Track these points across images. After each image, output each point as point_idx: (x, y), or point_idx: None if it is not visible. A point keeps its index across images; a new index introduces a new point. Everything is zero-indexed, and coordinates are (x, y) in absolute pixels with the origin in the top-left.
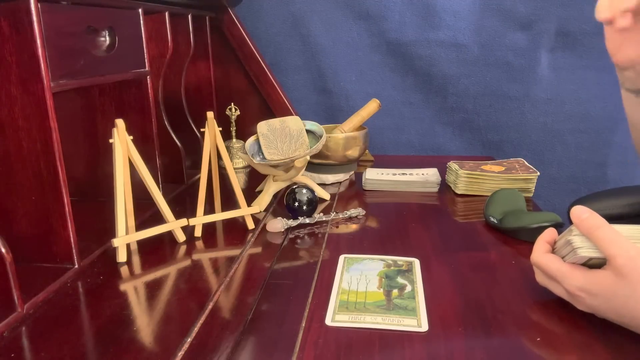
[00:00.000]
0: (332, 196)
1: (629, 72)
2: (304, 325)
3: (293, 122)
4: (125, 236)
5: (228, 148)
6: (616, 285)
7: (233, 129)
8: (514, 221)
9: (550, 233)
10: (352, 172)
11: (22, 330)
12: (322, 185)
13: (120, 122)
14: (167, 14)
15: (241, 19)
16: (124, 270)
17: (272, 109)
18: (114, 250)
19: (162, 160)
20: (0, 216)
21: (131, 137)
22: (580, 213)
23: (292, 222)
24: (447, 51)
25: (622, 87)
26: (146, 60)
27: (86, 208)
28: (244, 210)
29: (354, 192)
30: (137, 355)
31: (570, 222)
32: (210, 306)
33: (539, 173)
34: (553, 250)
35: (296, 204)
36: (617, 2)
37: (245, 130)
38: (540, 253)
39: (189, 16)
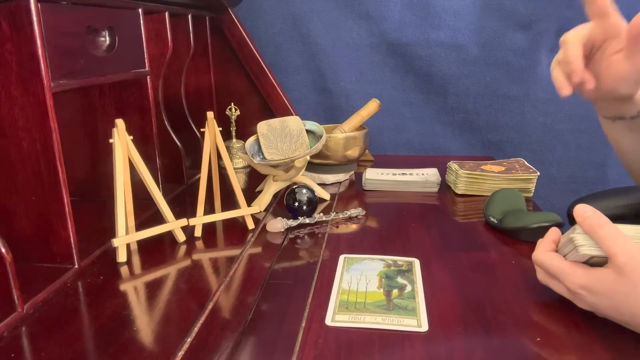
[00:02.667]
0: (332, 196)
1: (599, 103)
2: (304, 325)
3: (293, 122)
4: (125, 236)
5: (228, 148)
6: (617, 283)
7: (233, 129)
8: (514, 221)
9: (554, 232)
10: (352, 172)
11: (22, 330)
12: (322, 185)
13: (120, 122)
14: (167, 14)
15: (241, 19)
16: (124, 270)
17: (272, 109)
18: (114, 250)
19: (162, 160)
20: (0, 216)
21: (131, 137)
22: (583, 211)
23: (292, 222)
24: (447, 51)
25: (598, 115)
26: (146, 60)
27: (86, 208)
28: (244, 210)
29: (354, 192)
30: (137, 355)
31: (570, 223)
32: (210, 306)
33: (539, 173)
34: (556, 249)
35: (296, 204)
36: (570, 77)
37: (245, 130)
38: (542, 251)
39: (189, 16)
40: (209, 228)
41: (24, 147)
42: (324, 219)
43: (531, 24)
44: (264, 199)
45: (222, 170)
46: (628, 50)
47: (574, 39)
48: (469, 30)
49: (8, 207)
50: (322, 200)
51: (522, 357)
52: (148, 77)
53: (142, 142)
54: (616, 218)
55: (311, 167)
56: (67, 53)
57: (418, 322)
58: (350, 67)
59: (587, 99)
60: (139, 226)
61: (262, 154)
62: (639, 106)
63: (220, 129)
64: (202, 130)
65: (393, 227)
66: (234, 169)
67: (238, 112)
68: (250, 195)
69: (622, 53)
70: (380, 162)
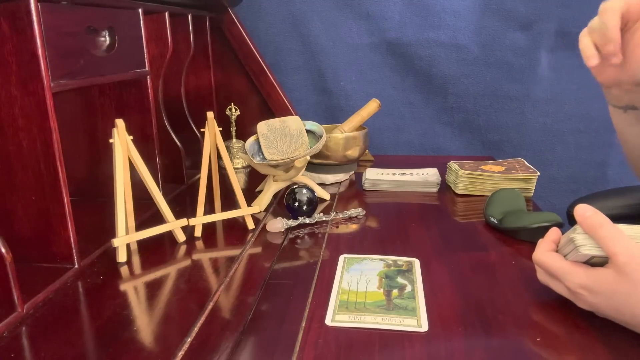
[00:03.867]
0: (332, 196)
1: (614, 90)
2: (304, 325)
3: (293, 122)
4: (125, 236)
5: (228, 148)
6: (617, 283)
7: (233, 129)
8: (514, 221)
9: (554, 232)
10: (352, 172)
11: (22, 330)
12: (322, 185)
13: (120, 122)
14: (167, 14)
15: (241, 19)
16: (124, 270)
17: (272, 109)
18: (114, 250)
19: (162, 160)
20: (0, 216)
21: (131, 137)
22: (584, 211)
23: (292, 222)
24: (447, 51)
25: (610, 104)
26: (146, 60)
27: (86, 208)
28: (244, 210)
29: (354, 192)
30: (137, 355)
31: (570, 223)
32: (210, 306)
33: (539, 173)
34: (556, 249)
35: (296, 204)
36: (603, 46)
37: (245, 130)
38: (542, 251)
39: (189, 16)
40: (209, 228)
41: (24, 147)
42: (324, 219)
43: (531, 24)
44: (264, 199)
45: (222, 170)
46: None
47: (614, 7)
48: (469, 30)
49: (8, 207)
50: (322, 200)
51: (522, 357)
52: (148, 77)
53: (142, 142)
54: (616, 218)
55: (311, 167)
56: (67, 53)
57: (418, 322)
58: (350, 67)
59: (603, 82)
60: (139, 226)
61: (262, 154)
62: None
63: (220, 129)
64: (202, 130)
65: (393, 227)
66: (234, 169)
67: (238, 112)
68: (250, 195)
69: None
70: (380, 162)
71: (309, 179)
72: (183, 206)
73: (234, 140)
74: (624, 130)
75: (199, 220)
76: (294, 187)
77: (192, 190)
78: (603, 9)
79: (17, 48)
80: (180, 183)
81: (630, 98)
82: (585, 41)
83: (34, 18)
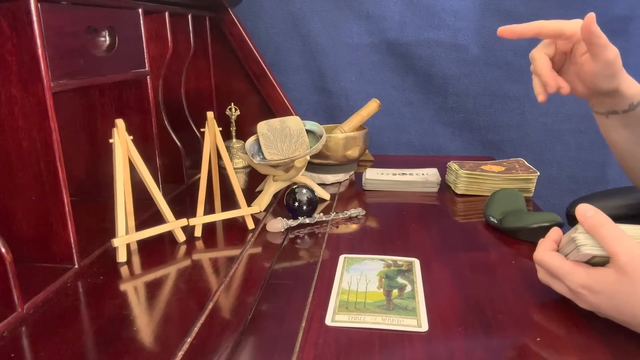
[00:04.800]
0: (332, 196)
1: (592, 100)
2: (304, 325)
3: (293, 122)
4: (125, 236)
5: (228, 148)
6: (618, 283)
7: (233, 129)
8: (514, 221)
9: (555, 232)
10: (352, 172)
11: (22, 330)
12: (322, 185)
13: (120, 122)
14: (167, 14)
15: (241, 19)
16: (124, 270)
17: (272, 109)
18: (114, 250)
19: (162, 160)
20: (0, 216)
21: (131, 137)
22: (585, 210)
23: (292, 222)
24: (447, 51)
25: (594, 112)
26: (146, 60)
27: (86, 208)
28: (244, 210)
29: (354, 192)
30: (137, 355)
31: (569, 223)
32: (210, 306)
33: (539, 173)
34: (557, 249)
35: (296, 204)
36: (547, 87)
37: (245, 130)
38: (543, 250)
39: (189, 16)
40: (209, 228)
41: (24, 147)
42: (324, 219)
43: None
44: (264, 199)
45: (222, 170)
46: (590, 51)
47: (540, 55)
48: (469, 30)
49: (8, 207)
50: (322, 200)
51: (522, 358)
52: (148, 77)
53: (142, 142)
54: (616, 218)
55: (311, 167)
56: (67, 53)
57: (418, 322)
58: (350, 67)
59: (580, 97)
60: (139, 226)
61: (262, 154)
62: (629, 99)
63: (220, 129)
64: (202, 130)
65: (393, 227)
66: (234, 169)
67: (238, 112)
68: (250, 195)
69: (587, 54)
70: (380, 162)
71: (309, 179)
72: (183, 206)
73: (234, 140)
74: (610, 136)
75: (199, 220)
76: (294, 187)
77: (192, 190)
78: (533, 59)
79: (17, 48)
80: (180, 183)
81: (608, 104)
82: (534, 82)
83: (34, 18)
